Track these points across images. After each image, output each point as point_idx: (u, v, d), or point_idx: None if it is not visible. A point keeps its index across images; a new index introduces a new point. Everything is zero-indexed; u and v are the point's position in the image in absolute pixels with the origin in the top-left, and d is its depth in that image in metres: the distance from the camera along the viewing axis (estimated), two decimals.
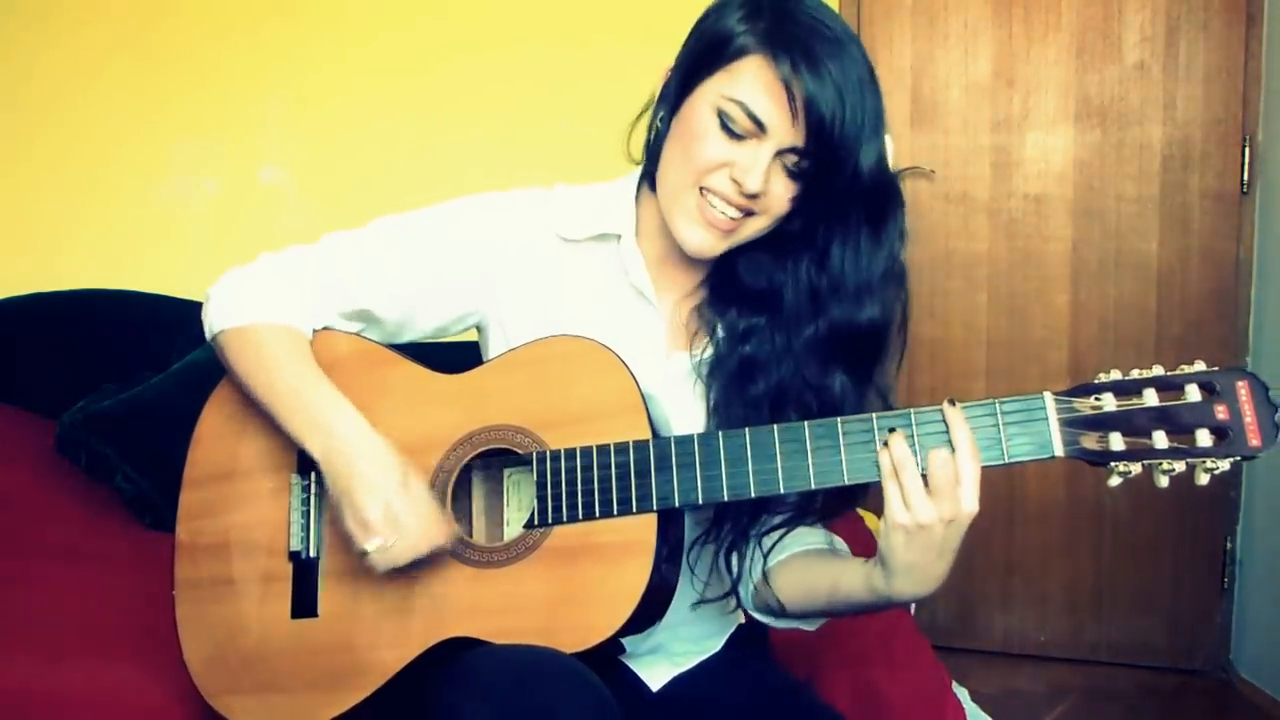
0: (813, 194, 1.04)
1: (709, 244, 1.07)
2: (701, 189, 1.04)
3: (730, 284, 1.14)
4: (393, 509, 1.03)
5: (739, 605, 1.23)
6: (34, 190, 2.57)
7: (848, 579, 1.06)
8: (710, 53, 1.04)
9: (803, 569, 1.13)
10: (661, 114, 1.10)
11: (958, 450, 0.94)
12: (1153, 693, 2.56)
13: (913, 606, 2.11)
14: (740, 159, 1.02)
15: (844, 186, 1.02)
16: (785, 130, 1.00)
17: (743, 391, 1.10)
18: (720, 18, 1.04)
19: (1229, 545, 2.61)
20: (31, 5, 2.55)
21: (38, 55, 2.56)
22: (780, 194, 1.04)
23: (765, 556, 1.14)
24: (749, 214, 1.05)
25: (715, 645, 1.22)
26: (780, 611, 1.16)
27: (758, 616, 1.20)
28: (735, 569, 1.13)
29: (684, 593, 1.16)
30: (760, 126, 1.01)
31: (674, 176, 1.07)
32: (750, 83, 1.01)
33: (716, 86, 1.02)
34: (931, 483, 0.93)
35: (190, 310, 1.25)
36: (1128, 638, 2.70)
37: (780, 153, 1.02)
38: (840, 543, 1.18)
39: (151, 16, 2.57)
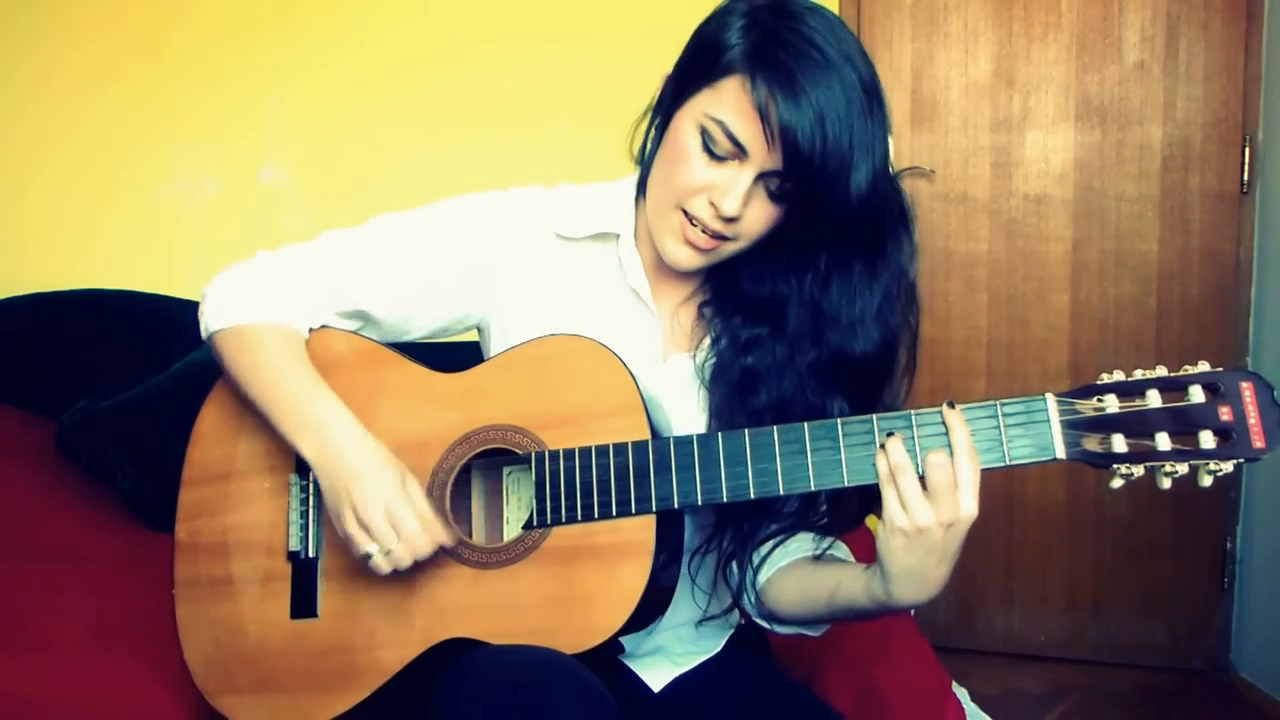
0: (801, 218, 1.02)
1: (689, 260, 1.06)
2: (683, 210, 1.04)
3: (733, 289, 1.13)
4: (392, 511, 1.03)
5: (740, 611, 1.23)
6: (33, 191, 2.57)
7: (847, 586, 1.06)
8: (702, 63, 1.02)
9: (802, 577, 1.12)
10: (656, 122, 1.09)
11: (956, 452, 0.93)
12: (1153, 693, 2.56)
13: None
14: (720, 182, 1.01)
15: (835, 212, 0.99)
16: (764, 154, 0.99)
17: (744, 403, 1.09)
18: (720, 27, 1.01)
19: (1229, 545, 2.61)
20: (35, 13, 2.55)
21: (41, 61, 2.55)
22: (757, 218, 1.03)
23: (760, 565, 1.14)
24: (724, 238, 1.04)
25: (716, 646, 1.22)
26: (781, 619, 1.16)
27: (762, 624, 1.19)
28: (734, 580, 1.13)
29: (685, 606, 1.16)
30: (740, 149, 0.99)
31: (658, 194, 1.06)
32: (730, 104, 0.99)
33: (701, 104, 1.01)
34: (930, 485, 0.93)
35: (190, 310, 1.25)
36: (1128, 638, 2.69)
37: (762, 176, 1.00)
38: (841, 547, 1.18)
39: (154, 22, 2.57)
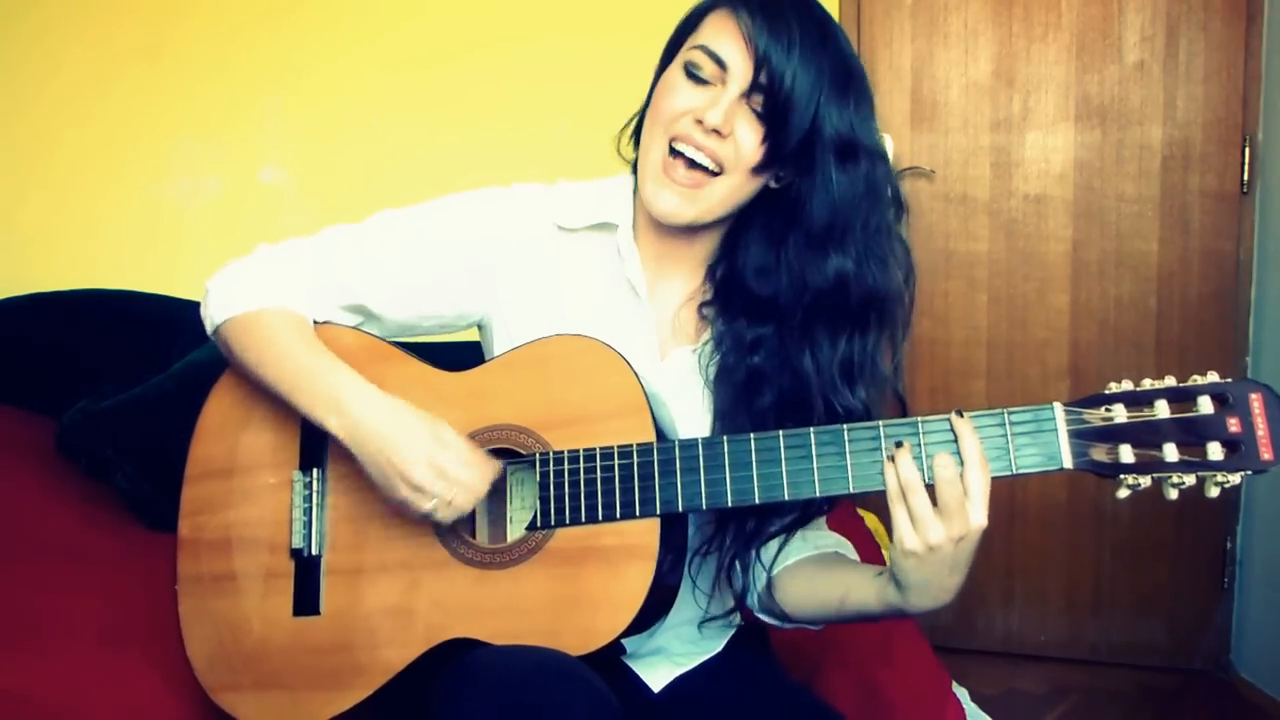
0: (780, 152, 1.04)
1: (675, 206, 1.07)
2: (670, 147, 1.05)
3: (736, 289, 1.13)
4: (438, 463, 1.03)
5: (742, 611, 1.23)
6: (35, 191, 2.57)
7: (858, 592, 1.06)
8: (684, 26, 1.09)
9: (810, 578, 1.12)
10: (648, 99, 1.12)
11: (967, 464, 0.93)
12: (1153, 693, 2.56)
13: None
14: (705, 103, 1.04)
15: (808, 139, 1.03)
16: (745, 69, 1.03)
17: (749, 404, 1.09)
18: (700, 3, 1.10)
19: (1229, 545, 2.61)
20: (35, 13, 2.55)
21: (41, 61, 2.55)
22: (748, 141, 1.04)
23: (770, 566, 1.14)
24: (715, 174, 1.05)
25: (716, 646, 1.22)
26: (787, 617, 1.16)
27: (764, 619, 1.19)
28: (738, 582, 1.12)
29: (687, 606, 1.16)
30: (721, 65, 1.03)
31: (646, 139, 1.09)
32: (712, 28, 1.05)
33: (685, 47, 1.07)
34: (940, 502, 0.93)
35: (191, 310, 1.25)
36: (1128, 638, 2.69)
37: (744, 95, 1.03)
38: (847, 545, 1.18)
39: (155, 21, 2.57)
